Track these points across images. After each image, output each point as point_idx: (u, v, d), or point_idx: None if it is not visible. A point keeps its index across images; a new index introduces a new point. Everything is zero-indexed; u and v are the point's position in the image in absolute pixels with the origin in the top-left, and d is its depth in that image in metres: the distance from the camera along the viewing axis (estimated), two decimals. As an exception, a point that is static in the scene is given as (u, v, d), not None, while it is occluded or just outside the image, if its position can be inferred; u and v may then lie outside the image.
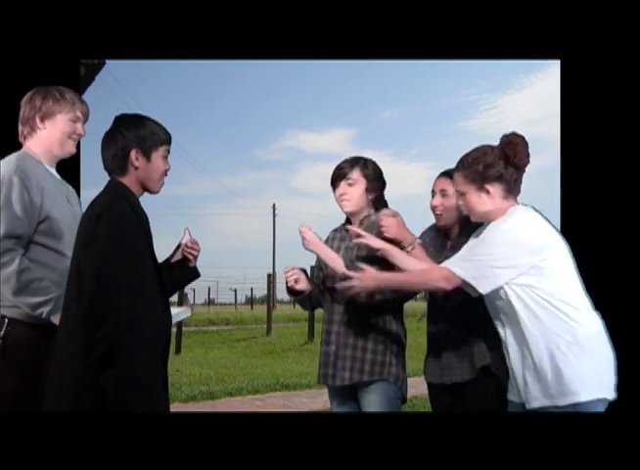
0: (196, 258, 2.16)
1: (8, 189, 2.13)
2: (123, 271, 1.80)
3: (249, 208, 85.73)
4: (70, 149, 2.34)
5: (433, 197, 2.43)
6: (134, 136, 1.96)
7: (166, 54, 2.47)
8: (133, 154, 1.95)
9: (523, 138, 2.03)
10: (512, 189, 2.04)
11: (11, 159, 2.24)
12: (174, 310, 2.27)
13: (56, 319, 2.01)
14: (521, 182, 2.06)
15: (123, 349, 1.77)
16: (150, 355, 1.87)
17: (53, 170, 2.35)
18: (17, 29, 2.35)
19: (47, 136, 2.30)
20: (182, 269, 2.16)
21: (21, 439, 1.78)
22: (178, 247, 2.16)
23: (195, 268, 2.19)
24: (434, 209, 2.42)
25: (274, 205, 42.24)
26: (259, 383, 6.93)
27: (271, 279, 16.42)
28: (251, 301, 37.74)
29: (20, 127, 2.34)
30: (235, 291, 39.24)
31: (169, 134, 2.05)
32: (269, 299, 15.80)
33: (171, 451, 1.80)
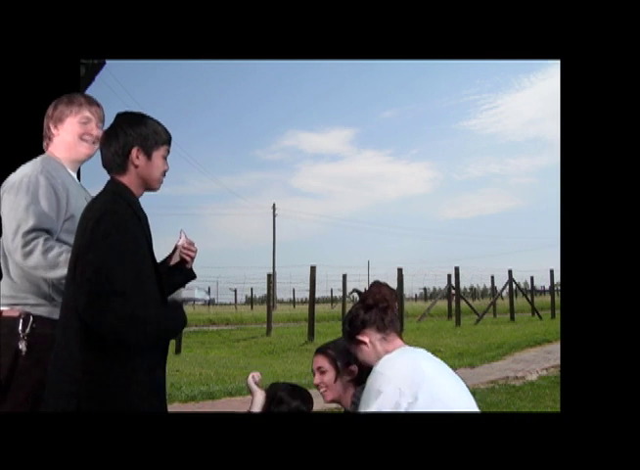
0: (193, 259, 2.15)
1: (35, 187, 2.17)
2: (124, 272, 1.80)
3: (249, 208, 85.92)
4: (85, 150, 2.37)
5: (314, 375, 2.47)
6: (137, 134, 1.94)
7: (166, 54, 2.47)
8: (134, 152, 1.94)
9: (376, 282, 2.22)
10: (385, 328, 2.12)
11: (37, 160, 2.30)
12: (194, 292, 2.27)
13: None
14: (394, 318, 2.16)
15: (123, 347, 1.78)
16: (150, 353, 1.87)
17: (74, 175, 2.39)
18: (17, 29, 2.35)
19: (61, 141, 2.36)
20: (179, 271, 2.15)
21: (22, 439, 1.78)
22: (175, 249, 2.15)
23: (191, 270, 2.18)
24: (318, 387, 2.46)
25: (274, 205, 42.33)
26: (259, 383, 6.93)
27: (271, 279, 16.43)
28: (251, 301, 37.80)
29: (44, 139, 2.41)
30: (235, 291, 39.32)
31: (170, 134, 2.04)
32: (269, 299, 15.81)
33: (171, 451, 1.80)
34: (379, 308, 2.13)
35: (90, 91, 4.20)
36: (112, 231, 1.80)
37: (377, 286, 2.19)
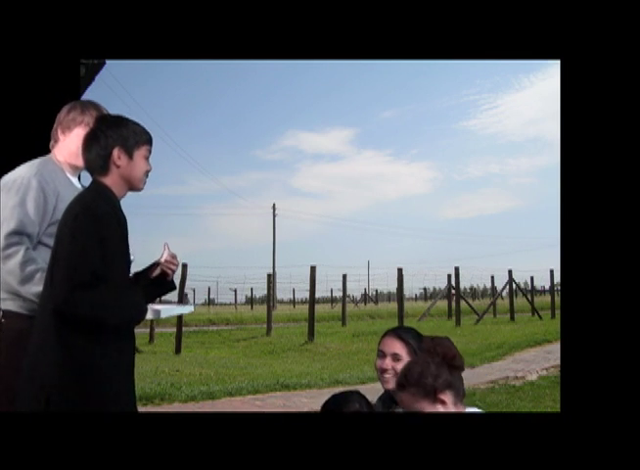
0: (174, 272, 2.17)
1: (25, 189, 2.21)
2: (100, 266, 1.82)
3: (249, 208, 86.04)
4: None
5: (379, 357, 2.30)
6: (117, 135, 1.97)
7: (166, 54, 2.47)
8: (115, 152, 1.96)
9: (449, 339, 2.02)
10: (460, 394, 1.99)
11: (35, 162, 2.33)
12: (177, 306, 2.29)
13: None
14: (463, 385, 2.02)
15: (94, 343, 1.81)
16: (114, 351, 1.89)
17: (74, 179, 2.42)
18: (17, 29, 2.35)
19: (66, 147, 2.39)
20: (160, 284, 2.16)
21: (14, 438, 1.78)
22: (155, 263, 2.15)
23: (172, 281, 2.19)
24: (382, 371, 2.28)
25: (274, 205, 42.37)
26: (259, 383, 6.94)
27: (271, 279, 16.43)
28: (251, 301, 37.82)
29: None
30: (235, 291, 39.35)
31: (150, 135, 2.07)
32: (269, 299, 15.83)
33: (171, 451, 1.80)
34: (460, 371, 2.00)
35: (90, 91, 4.21)
36: (88, 227, 1.84)
37: (452, 343, 2.02)
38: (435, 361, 1.96)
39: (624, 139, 2.15)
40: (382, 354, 2.29)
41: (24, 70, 2.59)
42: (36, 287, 2.11)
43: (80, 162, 2.38)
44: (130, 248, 2.02)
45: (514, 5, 2.26)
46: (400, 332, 2.32)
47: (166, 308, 2.15)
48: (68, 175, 2.38)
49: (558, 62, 2.27)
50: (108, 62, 4.10)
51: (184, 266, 12.49)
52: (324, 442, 1.83)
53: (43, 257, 2.18)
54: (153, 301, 2.23)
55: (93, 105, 2.45)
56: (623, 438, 1.91)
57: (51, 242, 2.20)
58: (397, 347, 2.27)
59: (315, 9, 2.31)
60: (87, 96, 3.96)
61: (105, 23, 2.31)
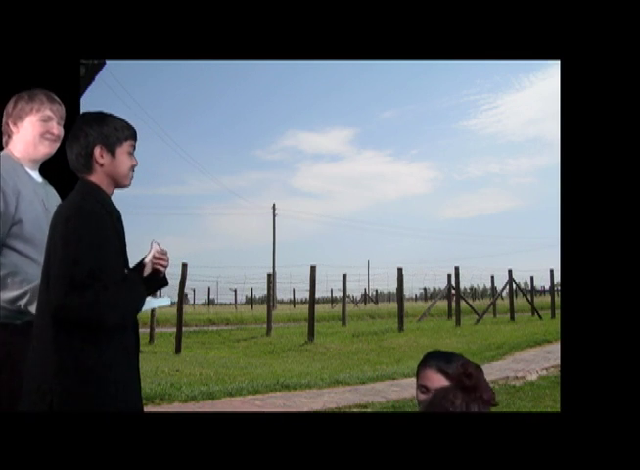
0: (165, 268, 2.10)
1: None
2: (95, 266, 1.81)
3: (249, 208, 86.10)
4: (45, 149, 2.32)
5: (422, 392, 2.12)
6: (97, 133, 1.95)
7: (166, 54, 2.47)
8: (97, 151, 1.95)
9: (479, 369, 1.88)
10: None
11: None
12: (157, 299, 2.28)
13: (33, 309, 2.03)
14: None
15: (91, 347, 1.80)
16: (117, 352, 1.88)
17: (34, 173, 2.34)
18: (16, 29, 2.35)
19: (21, 139, 2.30)
20: (152, 280, 2.13)
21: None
22: (142, 262, 2.09)
23: (164, 278, 2.14)
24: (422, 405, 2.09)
25: (274, 205, 42.38)
26: (259, 383, 6.94)
27: (271, 279, 16.44)
28: (251, 301, 37.84)
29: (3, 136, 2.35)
30: (235, 291, 39.39)
31: (134, 130, 2.04)
32: (269, 299, 15.83)
33: (171, 451, 1.80)
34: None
35: (90, 91, 4.20)
36: (81, 228, 1.82)
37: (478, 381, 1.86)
38: (465, 393, 1.80)
39: (624, 139, 2.15)
40: (424, 390, 2.13)
41: (25, 70, 2.59)
42: (9, 292, 2.08)
43: (38, 153, 2.31)
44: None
45: (514, 5, 2.26)
46: (442, 364, 2.14)
47: (147, 300, 2.13)
48: (28, 170, 2.30)
49: (558, 62, 2.27)
50: (108, 62, 4.10)
51: (184, 266, 12.50)
52: (324, 442, 1.83)
53: (9, 260, 2.14)
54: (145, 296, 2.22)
55: (41, 91, 2.37)
56: (623, 437, 1.91)
57: (15, 244, 2.15)
58: (443, 382, 2.09)
59: (315, 9, 2.31)
60: (87, 96, 3.96)
61: (105, 23, 2.31)
